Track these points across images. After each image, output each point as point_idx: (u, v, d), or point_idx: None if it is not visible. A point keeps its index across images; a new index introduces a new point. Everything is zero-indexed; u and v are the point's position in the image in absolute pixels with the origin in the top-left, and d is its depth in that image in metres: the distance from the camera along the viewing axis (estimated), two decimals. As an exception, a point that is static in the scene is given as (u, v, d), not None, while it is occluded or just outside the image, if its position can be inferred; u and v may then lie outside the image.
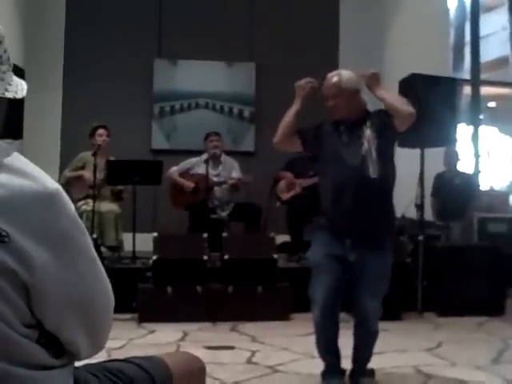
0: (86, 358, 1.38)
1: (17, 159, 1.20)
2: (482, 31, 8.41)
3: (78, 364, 1.41)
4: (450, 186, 7.10)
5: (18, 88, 1.31)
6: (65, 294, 1.22)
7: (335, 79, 3.52)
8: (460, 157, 7.46)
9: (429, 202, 6.73)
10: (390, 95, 3.54)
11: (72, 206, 1.24)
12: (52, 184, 1.20)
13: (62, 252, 1.20)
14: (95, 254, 1.30)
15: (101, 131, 6.35)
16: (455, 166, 7.35)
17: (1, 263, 1.12)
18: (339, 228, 3.46)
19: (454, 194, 6.95)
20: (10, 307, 1.15)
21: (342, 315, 3.60)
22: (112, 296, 1.36)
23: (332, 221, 3.49)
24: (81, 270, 1.25)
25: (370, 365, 3.69)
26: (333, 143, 3.52)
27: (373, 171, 3.38)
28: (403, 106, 3.47)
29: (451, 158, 7.27)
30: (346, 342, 3.59)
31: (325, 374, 3.65)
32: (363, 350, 3.62)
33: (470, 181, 7.52)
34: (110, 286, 1.35)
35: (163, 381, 1.54)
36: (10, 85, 1.28)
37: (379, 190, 3.44)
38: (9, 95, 1.27)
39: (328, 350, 3.63)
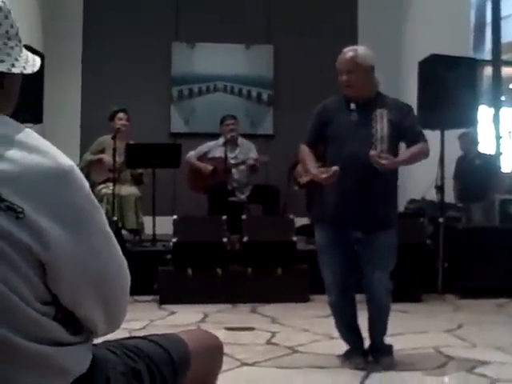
0: (104, 335, 1.39)
1: (30, 136, 1.21)
2: (504, 11, 8.27)
3: (96, 341, 1.42)
4: (471, 168, 7.05)
5: (28, 64, 1.30)
6: (79, 269, 1.23)
7: (351, 54, 3.46)
8: (478, 139, 7.38)
9: (449, 183, 6.67)
10: (410, 157, 3.47)
11: (86, 183, 1.25)
12: (66, 161, 1.21)
13: (76, 228, 1.21)
14: (109, 229, 1.30)
15: (121, 115, 6.39)
16: (475, 148, 7.28)
17: (16, 239, 1.13)
18: (343, 211, 3.43)
19: (476, 175, 6.89)
20: (24, 282, 1.16)
21: (358, 296, 3.63)
22: (127, 272, 1.36)
23: (336, 204, 3.45)
24: (95, 246, 1.25)
25: (389, 342, 3.69)
26: (341, 119, 3.47)
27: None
28: (422, 158, 3.49)
29: (466, 142, 7.19)
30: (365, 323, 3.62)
31: (348, 354, 3.65)
32: (376, 325, 3.60)
33: (491, 162, 7.45)
34: (125, 262, 1.35)
35: (181, 358, 1.54)
36: (17, 60, 1.28)
37: (385, 178, 3.41)
38: (15, 70, 1.27)
39: (348, 329, 3.65)
